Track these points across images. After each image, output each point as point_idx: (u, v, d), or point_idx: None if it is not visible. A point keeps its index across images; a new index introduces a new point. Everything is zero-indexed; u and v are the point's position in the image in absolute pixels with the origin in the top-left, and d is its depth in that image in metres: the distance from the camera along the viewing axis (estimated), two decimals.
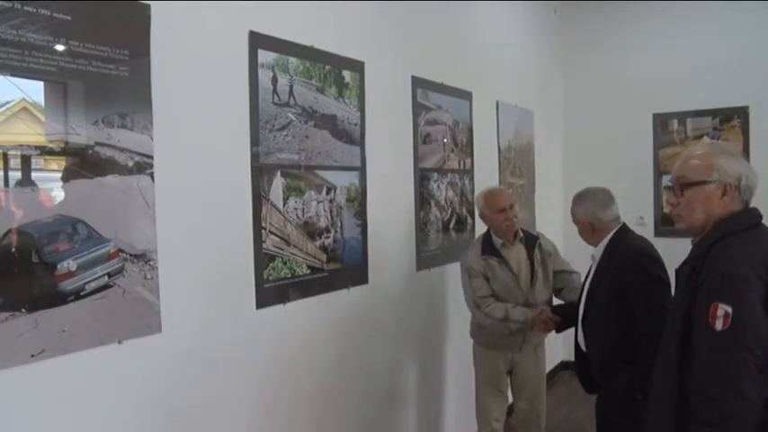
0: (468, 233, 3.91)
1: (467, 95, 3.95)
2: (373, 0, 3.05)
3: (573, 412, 4.47)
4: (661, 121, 5.27)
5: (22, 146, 1.65)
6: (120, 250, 1.86)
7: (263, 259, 2.39)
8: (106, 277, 1.82)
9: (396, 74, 3.26)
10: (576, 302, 2.65)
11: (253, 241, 2.36)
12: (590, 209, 2.53)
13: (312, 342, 2.66)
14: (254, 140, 2.36)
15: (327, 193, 2.74)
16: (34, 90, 1.67)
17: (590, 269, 2.59)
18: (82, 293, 1.75)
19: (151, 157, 1.94)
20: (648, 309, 2.25)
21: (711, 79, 4.97)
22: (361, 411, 3.01)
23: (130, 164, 1.89)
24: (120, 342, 1.85)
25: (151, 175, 1.95)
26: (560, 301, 3.21)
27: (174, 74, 2.03)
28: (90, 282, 1.78)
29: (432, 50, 3.60)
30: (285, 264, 2.50)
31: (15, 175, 1.63)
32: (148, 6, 1.94)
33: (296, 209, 2.56)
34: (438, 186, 3.63)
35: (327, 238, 2.74)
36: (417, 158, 3.42)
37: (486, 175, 4.14)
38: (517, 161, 4.73)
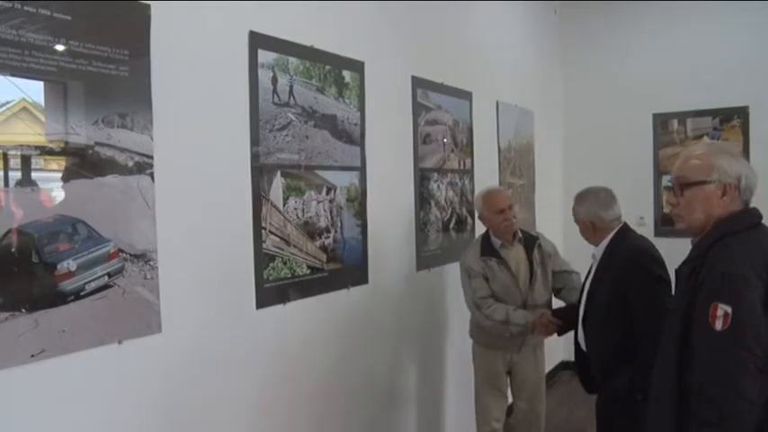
0: (468, 233, 3.90)
1: (467, 95, 3.95)
2: (373, 0, 3.05)
3: (573, 412, 4.47)
4: (661, 121, 5.27)
5: (22, 146, 1.65)
6: (120, 250, 1.86)
7: (263, 259, 2.39)
8: (106, 277, 1.82)
9: (396, 74, 3.26)
10: (577, 304, 2.65)
11: (253, 241, 2.36)
12: (592, 208, 2.53)
13: (312, 342, 2.66)
14: (254, 140, 2.36)
15: (327, 193, 2.74)
16: (34, 90, 1.67)
17: (590, 268, 2.59)
18: (82, 293, 1.76)
19: (151, 157, 1.94)
20: (649, 309, 2.25)
21: (711, 79, 4.97)
22: (361, 411, 3.01)
23: (130, 164, 1.89)
24: (120, 342, 1.85)
25: (151, 175, 1.95)
26: (560, 302, 3.21)
27: (174, 74, 2.04)
28: (90, 282, 1.78)
29: (432, 50, 3.60)
30: (285, 264, 2.50)
31: (15, 175, 1.63)
32: (148, 6, 1.94)
33: (296, 209, 2.56)
34: (438, 186, 3.63)
35: (327, 238, 2.74)
36: (417, 158, 3.42)
37: (486, 176, 4.13)
38: (517, 161, 4.72)
